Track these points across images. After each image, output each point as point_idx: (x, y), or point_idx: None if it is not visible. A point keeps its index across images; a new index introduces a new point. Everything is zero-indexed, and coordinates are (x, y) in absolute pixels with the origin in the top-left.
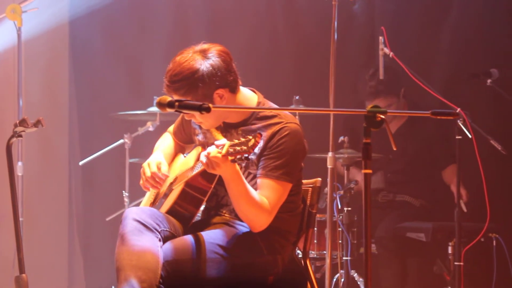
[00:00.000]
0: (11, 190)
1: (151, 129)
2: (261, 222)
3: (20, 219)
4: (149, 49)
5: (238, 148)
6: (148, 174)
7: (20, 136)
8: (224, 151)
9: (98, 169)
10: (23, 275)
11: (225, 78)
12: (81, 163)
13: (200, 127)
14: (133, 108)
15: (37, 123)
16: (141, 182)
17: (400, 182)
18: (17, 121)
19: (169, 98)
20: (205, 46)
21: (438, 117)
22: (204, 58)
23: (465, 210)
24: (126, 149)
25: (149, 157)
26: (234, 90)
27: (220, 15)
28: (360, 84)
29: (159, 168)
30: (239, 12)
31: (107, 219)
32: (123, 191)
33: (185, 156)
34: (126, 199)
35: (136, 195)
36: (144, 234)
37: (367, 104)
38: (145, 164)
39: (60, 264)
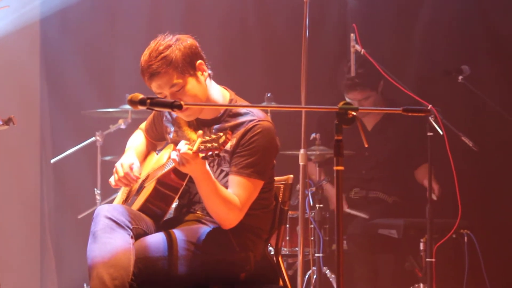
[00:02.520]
0: None
1: (123, 126)
2: (231, 220)
3: None
4: (121, 46)
5: (208, 145)
6: (121, 174)
7: None
8: (195, 148)
9: (70, 167)
10: None
11: (201, 53)
12: (52, 161)
13: (172, 125)
14: (105, 106)
15: (8, 121)
16: (112, 179)
17: (374, 179)
18: None
19: (140, 96)
20: (177, 35)
21: (410, 114)
22: (177, 39)
23: (435, 198)
24: (97, 147)
25: (121, 154)
26: (208, 67)
27: (192, 13)
28: (338, 78)
29: (131, 168)
30: (210, 10)
31: (79, 217)
32: (95, 189)
33: (157, 154)
34: (98, 197)
35: (108, 192)
36: (116, 232)
37: (345, 96)
38: (118, 164)
39: (32, 262)
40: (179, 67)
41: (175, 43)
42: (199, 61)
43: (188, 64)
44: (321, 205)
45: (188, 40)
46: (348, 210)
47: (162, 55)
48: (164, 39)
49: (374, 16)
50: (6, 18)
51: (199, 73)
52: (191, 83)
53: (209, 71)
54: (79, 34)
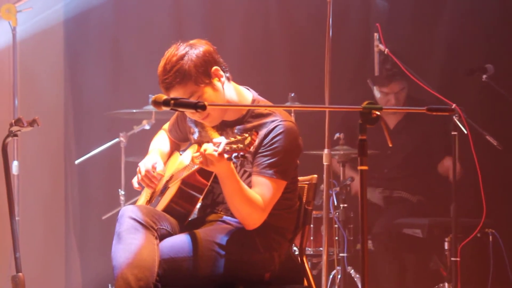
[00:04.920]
0: (7, 189)
1: (146, 127)
2: (254, 220)
3: (16, 218)
4: (144, 47)
5: (234, 146)
6: (144, 173)
7: (16, 135)
8: (220, 149)
9: (94, 168)
10: (20, 274)
11: (215, 58)
12: (77, 162)
13: (196, 125)
14: (128, 107)
15: (32, 123)
16: (135, 180)
17: (396, 178)
18: (13, 121)
19: (164, 96)
20: (189, 41)
21: (434, 113)
22: (190, 47)
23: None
24: (121, 148)
25: (145, 155)
26: (225, 71)
27: (215, 13)
28: (366, 74)
29: (154, 168)
30: (232, 11)
31: (103, 217)
32: (119, 190)
33: (181, 154)
34: (122, 198)
35: (132, 193)
36: (140, 232)
37: (381, 89)
38: (141, 164)
39: (56, 262)
40: (193, 78)
41: (188, 52)
42: (214, 68)
43: (202, 73)
44: (345, 205)
45: (201, 47)
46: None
47: (176, 68)
48: (177, 50)
49: (397, 15)
50: (30, 20)
51: (215, 80)
52: (207, 92)
53: (227, 74)
54: (102, 35)
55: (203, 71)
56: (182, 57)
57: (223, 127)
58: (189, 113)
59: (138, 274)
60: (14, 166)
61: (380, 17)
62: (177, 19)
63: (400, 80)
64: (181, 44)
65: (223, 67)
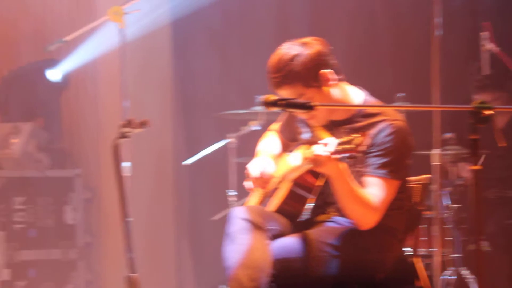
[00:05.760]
0: (119, 190)
1: (255, 128)
2: (368, 220)
3: (129, 219)
4: (251, 48)
5: (344, 146)
6: (254, 174)
7: (127, 137)
8: (331, 149)
9: (203, 168)
10: (134, 274)
11: (328, 60)
12: (186, 163)
13: (306, 126)
14: (237, 108)
15: (143, 124)
16: (246, 182)
17: (510, 177)
18: (123, 122)
19: (273, 97)
20: (303, 39)
21: None
22: (303, 46)
23: None
24: (230, 149)
25: (254, 156)
26: (338, 73)
27: (320, 13)
28: (468, 77)
29: (264, 169)
30: (337, 11)
31: (214, 218)
32: (228, 191)
33: (290, 155)
34: (231, 199)
35: (242, 194)
36: (252, 233)
37: (474, 98)
38: (250, 165)
39: (168, 264)
40: (302, 80)
41: (300, 53)
42: (324, 71)
43: (312, 76)
44: (458, 205)
45: (314, 47)
46: None
47: (286, 68)
48: (290, 48)
49: (505, 11)
50: (138, 22)
51: (324, 83)
52: (315, 94)
53: (338, 77)
54: (209, 36)
55: (313, 74)
56: (293, 58)
57: (332, 127)
58: (296, 112)
59: (251, 274)
60: (126, 167)
61: (485, 13)
62: (283, 20)
63: (492, 91)
64: (294, 42)
65: (335, 68)
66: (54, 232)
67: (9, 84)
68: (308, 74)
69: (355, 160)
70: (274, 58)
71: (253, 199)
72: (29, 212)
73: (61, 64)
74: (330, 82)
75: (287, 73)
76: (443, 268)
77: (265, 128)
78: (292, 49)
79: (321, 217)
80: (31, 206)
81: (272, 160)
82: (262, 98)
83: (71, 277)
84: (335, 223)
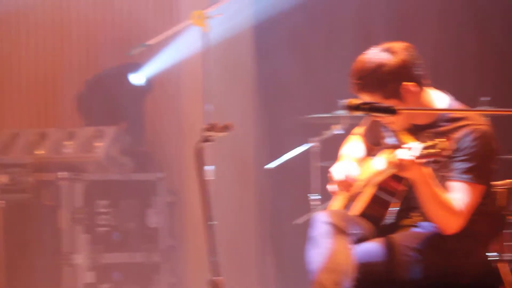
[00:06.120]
0: (202, 194)
1: (337, 132)
2: (452, 225)
3: (212, 222)
4: (334, 52)
5: (429, 150)
6: (338, 178)
7: (210, 140)
8: (415, 153)
9: (285, 172)
10: (218, 278)
11: (411, 72)
12: (268, 166)
13: (389, 130)
14: (318, 111)
15: (225, 128)
16: (330, 186)
17: None
18: (206, 126)
19: (356, 101)
20: (389, 44)
21: None
22: (389, 53)
23: None
24: (313, 153)
25: (336, 160)
26: (421, 84)
27: (405, 16)
28: None
29: (348, 172)
30: (424, 13)
31: (296, 222)
32: (311, 195)
33: (374, 159)
34: (314, 202)
35: (324, 198)
36: (335, 237)
37: None
38: (334, 168)
39: (250, 267)
40: (382, 91)
41: (384, 62)
42: (405, 85)
43: (392, 90)
44: None
45: (399, 56)
46: None
47: (368, 77)
48: (374, 56)
49: None
50: (221, 26)
51: (404, 95)
52: (395, 104)
53: (419, 88)
54: (292, 40)
55: (394, 87)
56: (376, 67)
57: (416, 131)
58: (377, 116)
59: (334, 278)
60: (209, 171)
61: None
62: (366, 22)
63: None
64: (380, 48)
65: (419, 77)
66: (137, 235)
67: (93, 88)
68: (389, 86)
69: (440, 164)
70: (357, 64)
71: (336, 203)
72: (113, 215)
73: (144, 68)
74: (411, 95)
75: (368, 82)
76: None
77: (347, 132)
78: (377, 56)
79: (405, 222)
80: (115, 209)
81: (356, 164)
82: (345, 102)
83: (155, 280)
84: (420, 228)
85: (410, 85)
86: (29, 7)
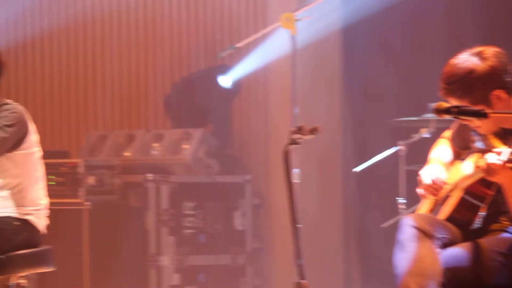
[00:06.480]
0: (289, 196)
1: (426, 135)
2: None
3: (298, 225)
4: (423, 55)
5: None
6: (427, 181)
7: (297, 143)
8: (504, 158)
9: (373, 175)
10: (303, 281)
11: (502, 79)
12: (355, 170)
13: (478, 134)
14: (407, 115)
15: (313, 130)
16: (419, 189)
17: None
18: (294, 129)
19: (446, 104)
20: (480, 48)
21: None
22: (480, 59)
23: None
24: (401, 156)
25: (425, 164)
26: (510, 92)
27: (496, 19)
28: None
29: (437, 176)
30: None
31: (383, 225)
32: (398, 198)
33: (462, 163)
34: (401, 206)
35: (412, 202)
36: (422, 241)
37: None
38: (423, 172)
39: (336, 270)
40: (470, 98)
41: (475, 68)
42: (494, 92)
43: (481, 97)
44: None
45: (489, 62)
46: None
47: (457, 83)
48: (465, 61)
49: None
50: (309, 29)
51: (492, 104)
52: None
53: (510, 94)
54: (381, 42)
55: (482, 94)
56: (466, 74)
57: (505, 136)
58: (463, 120)
59: (421, 282)
60: (296, 174)
61: None
62: (455, 25)
63: None
64: (471, 52)
65: (510, 82)
66: (223, 237)
67: (181, 91)
68: (477, 93)
69: None
70: (448, 68)
71: (424, 207)
72: (199, 218)
73: (232, 70)
74: (499, 102)
75: (457, 88)
76: None
77: (434, 135)
78: (468, 62)
79: (494, 226)
80: (201, 212)
81: (444, 168)
82: (434, 105)
83: (240, 282)
84: (509, 232)
85: (499, 92)
86: (122, 9)
